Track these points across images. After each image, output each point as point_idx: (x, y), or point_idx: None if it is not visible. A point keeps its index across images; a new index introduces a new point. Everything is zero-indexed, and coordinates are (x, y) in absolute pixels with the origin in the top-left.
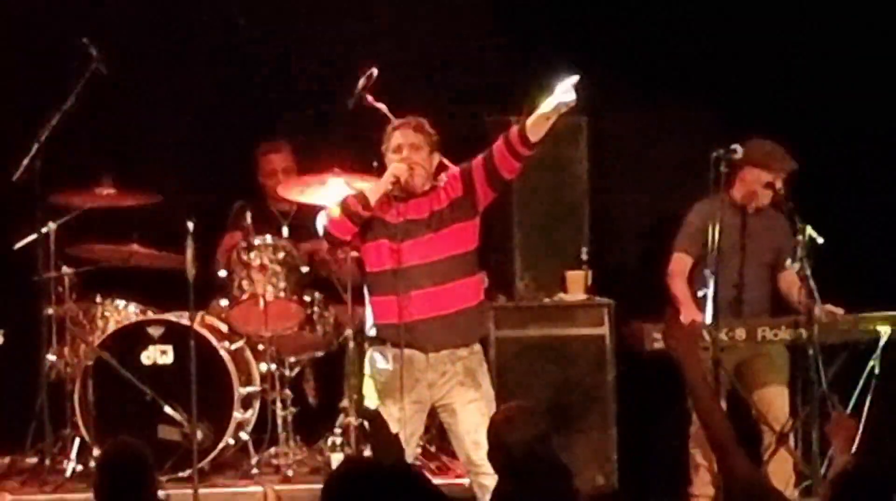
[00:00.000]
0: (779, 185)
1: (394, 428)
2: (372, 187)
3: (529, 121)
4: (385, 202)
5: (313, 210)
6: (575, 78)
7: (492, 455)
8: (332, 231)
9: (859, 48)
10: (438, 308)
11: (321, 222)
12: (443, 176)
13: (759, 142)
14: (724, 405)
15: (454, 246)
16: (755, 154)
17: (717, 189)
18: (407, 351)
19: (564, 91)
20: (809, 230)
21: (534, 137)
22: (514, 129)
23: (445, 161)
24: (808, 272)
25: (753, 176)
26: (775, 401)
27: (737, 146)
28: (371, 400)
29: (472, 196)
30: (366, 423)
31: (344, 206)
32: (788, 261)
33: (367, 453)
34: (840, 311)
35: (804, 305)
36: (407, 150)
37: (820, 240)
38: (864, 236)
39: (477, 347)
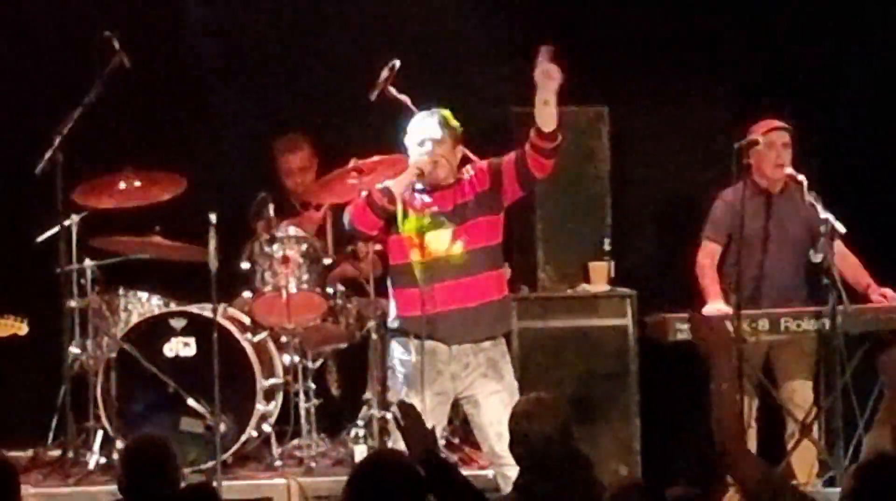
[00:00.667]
0: (788, 140)
1: (392, 420)
2: (396, 181)
3: (536, 113)
4: (409, 195)
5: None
6: (546, 49)
7: (513, 447)
8: (358, 225)
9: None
10: (461, 301)
11: (347, 217)
12: (469, 169)
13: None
14: (753, 394)
15: (478, 240)
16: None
17: (739, 178)
18: (429, 343)
19: (542, 69)
20: (832, 220)
21: (545, 126)
22: (533, 127)
23: (470, 155)
24: (832, 263)
25: (766, 145)
26: (798, 391)
27: (757, 136)
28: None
29: (498, 191)
30: (398, 414)
31: (369, 200)
32: (811, 252)
33: (393, 444)
34: (894, 296)
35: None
36: (430, 143)
37: (842, 229)
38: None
39: (500, 339)
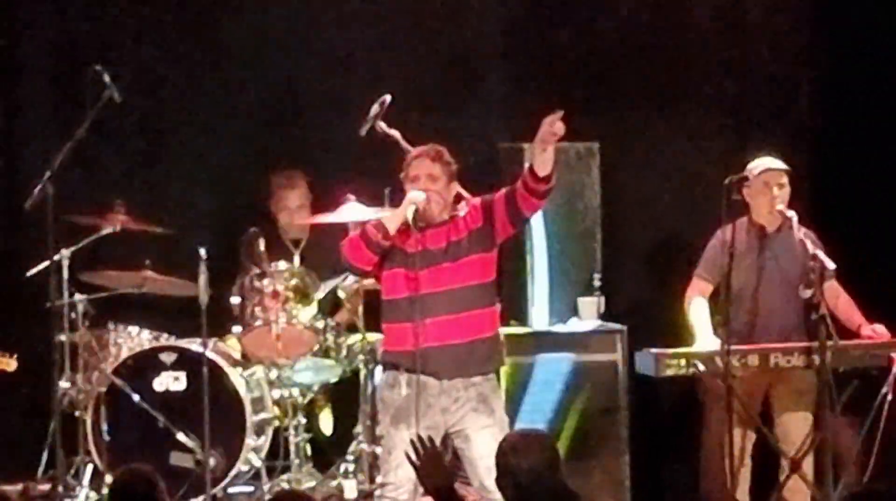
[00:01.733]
0: (784, 181)
1: (404, 453)
2: (390, 216)
3: (533, 156)
4: (403, 232)
5: (324, 240)
6: (559, 113)
7: (500, 482)
8: (353, 261)
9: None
10: (453, 337)
11: (342, 251)
12: (463, 205)
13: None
14: (750, 430)
15: (471, 276)
16: (755, 167)
17: (729, 215)
18: (420, 377)
19: (550, 124)
20: (821, 256)
21: (540, 170)
22: (526, 168)
23: (463, 192)
24: (821, 299)
25: (759, 186)
26: (791, 427)
27: (748, 172)
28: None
29: (490, 228)
30: (412, 448)
31: (364, 236)
32: (801, 288)
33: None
34: (884, 332)
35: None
36: (424, 180)
37: (831, 265)
38: (880, 260)
39: (491, 374)
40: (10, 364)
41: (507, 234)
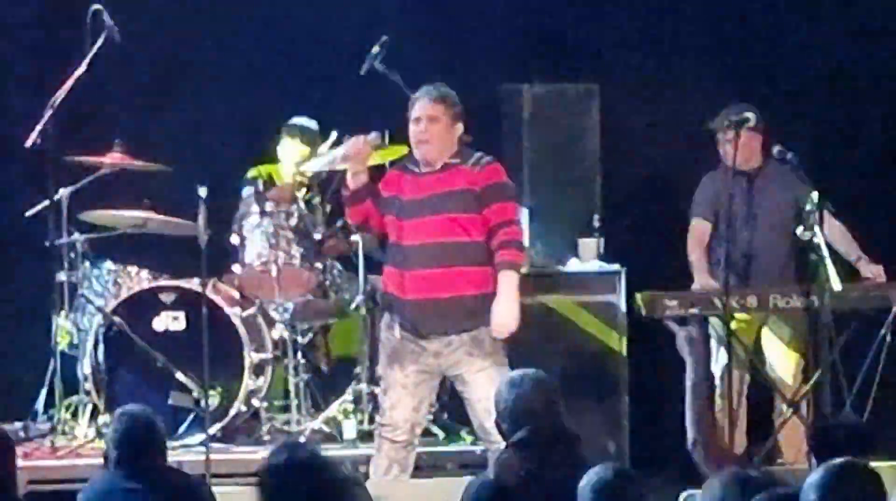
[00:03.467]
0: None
1: (399, 394)
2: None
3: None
4: (398, 176)
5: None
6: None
7: (498, 423)
8: (349, 218)
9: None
10: (431, 291)
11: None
12: (483, 160)
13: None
14: (745, 371)
15: (455, 232)
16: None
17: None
18: (409, 325)
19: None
20: (815, 196)
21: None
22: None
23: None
24: (819, 239)
25: (729, 134)
26: (780, 366)
27: (749, 114)
28: None
29: (479, 206)
30: None
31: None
32: (800, 229)
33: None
34: (881, 273)
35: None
36: (425, 122)
37: (830, 208)
38: (880, 204)
39: (482, 326)
40: None
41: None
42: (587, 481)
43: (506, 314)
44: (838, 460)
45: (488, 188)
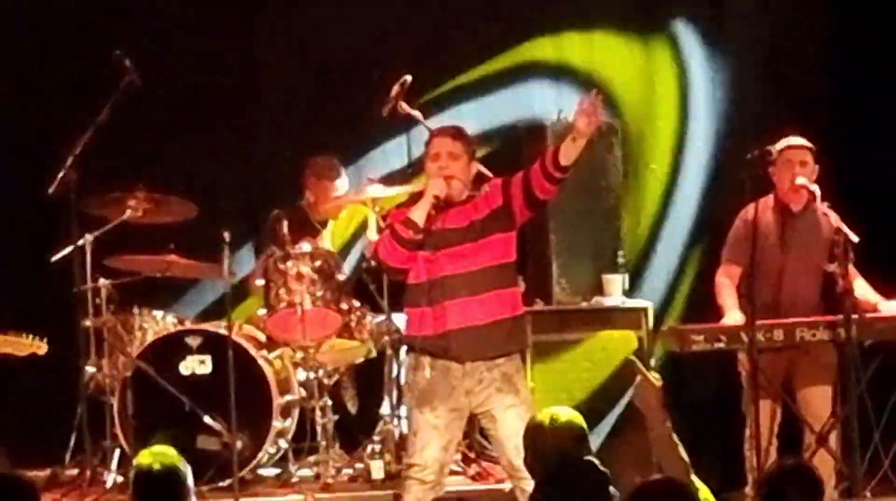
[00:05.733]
0: (807, 159)
1: (430, 435)
2: (415, 209)
3: (563, 144)
4: (427, 217)
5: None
6: (594, 94)
7: (527, 461)
8: (393, 263)
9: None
10: (473, 319)
11: (378, 257)
12: (486, 186)
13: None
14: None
15: (492, 257)
16: (779, 145)
17: (752, 192)
18: (442, 361)
19: (586, 112)
20: (844, 228)
21: (565, 160)
22: (549, 150)
23: (485, 170)
24: (846, 271)
25: (784, 163)
26: (814, 401)
27: (771, 147)
28: None
29: (509, 209)
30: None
31: (395, 235)
32: (825, 262)
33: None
34: None
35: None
36: (445, 158)
37: (855, 238)
38: None
39: (515, 354)
40: (41, 347)
41: (525, 217)
42: None
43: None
44: None
45: (504, 186)
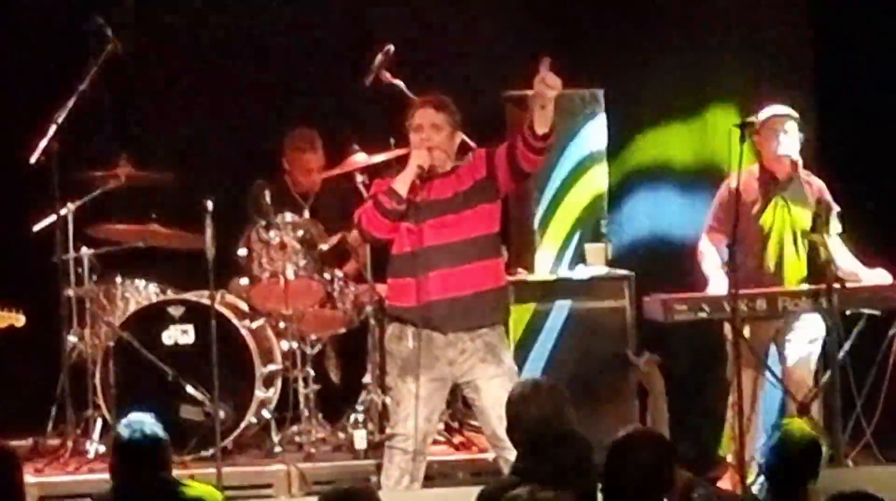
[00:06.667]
0: (789, 126)
1: (412, 404)
2: (398, 180)
3: (535, 114)
4: (411, 187)
5: (331, 192)
6: (546, 63)
7: (510, 431)
8: (374, 232)
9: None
10: (457, 289)
11: (360, 226)
12: (469, 156)
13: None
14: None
15: (476, 228)
16: (762, 114)
17: (737, 161)
18: (425, 331)
19: (542, 80)
20: (826, 198)
21: (540, 129)
22: (525, 123)
23: (469, 141)
24: (828, 241)
25: (766, 132)
26: (796, 370)
27: (755, 117)
28: None
29: (493, 180)
30: None
31: (378, 205)
32: (808, 231)
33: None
34: (888, 277)
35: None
36: (427, 130)
37: (836, 208)
38: (887, 206)
39: (498, 324)
40: (19, 320)
41: (508, 187)
42: None
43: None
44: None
45: (488, 157)
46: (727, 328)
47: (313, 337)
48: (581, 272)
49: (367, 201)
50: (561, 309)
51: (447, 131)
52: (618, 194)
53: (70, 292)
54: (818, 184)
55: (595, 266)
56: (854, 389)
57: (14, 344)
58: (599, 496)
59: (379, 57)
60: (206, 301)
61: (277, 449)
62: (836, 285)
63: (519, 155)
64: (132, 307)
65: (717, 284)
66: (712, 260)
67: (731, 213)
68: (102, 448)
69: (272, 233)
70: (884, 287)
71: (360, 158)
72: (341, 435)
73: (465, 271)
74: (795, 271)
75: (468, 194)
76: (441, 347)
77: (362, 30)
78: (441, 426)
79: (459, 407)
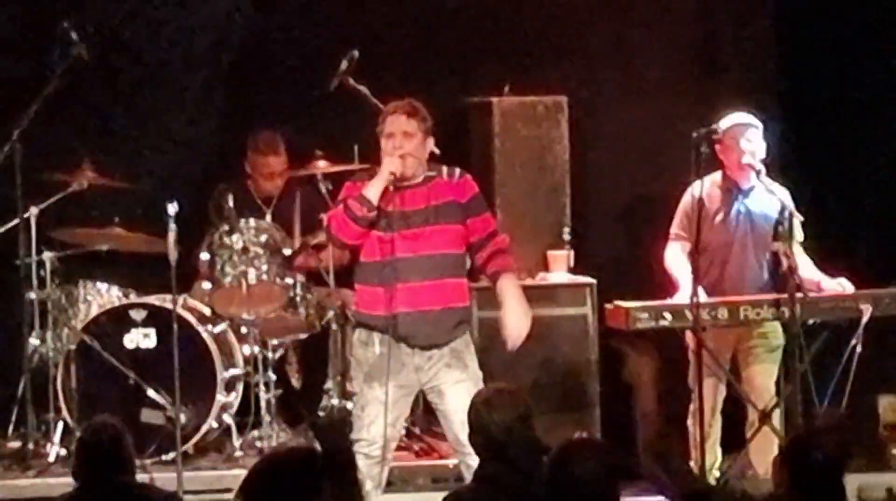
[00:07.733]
0: (751, 135)
1: (377, 410)
2: (370, 186)
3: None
4: (382, 194)
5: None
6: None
7: (472, 437)
8: (344, 238)
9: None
10: (425, 303)
11: (329, 230)
12: (455, 171)
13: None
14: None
15: (446, 244)
16: (725, 123)
17: (698, 169)
18: (399, 338)
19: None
20: (790, 207)
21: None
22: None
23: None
24: (792, 250)
25: (730, 141)
26: (757, 379)
27: (717, 125)
28: None
29: (464, 219)
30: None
31: (348, 212)
32: (770, 241)
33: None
34: (850, 287)
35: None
36: (399, 137)
37: (799, 217)
38: (850, 215)
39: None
40: None
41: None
42: None
43: (524, 321)
44: None
45: (473, 200)
46: (689, 336)
47: (275, 342)
48: (543, 279)
49: (338, 206)
50: None
51: (419, 138)
52: (581, 200)
53: (32, 295)
54: (781, 192)
55: (557, 273)
56: (815, 398)
57: None
58: None
59: (343, 62)
60: (169, 305)
61: (238, 454)
62: (799, 295)
63: (479, 266)
64: (94, 311)
65: (685, 293)
66: (682, 267)
67: (694, 221)
68: (63, 452)
69: (234, 237)
70: (845, 296)
71: (322, 165)
72: (302, 440)
73: (434, 286)
74: (757, 280)
75: (440, 209)
76: (408, 353)
77: (327, 35)
78: (403, 432)
79: (420, 413)
